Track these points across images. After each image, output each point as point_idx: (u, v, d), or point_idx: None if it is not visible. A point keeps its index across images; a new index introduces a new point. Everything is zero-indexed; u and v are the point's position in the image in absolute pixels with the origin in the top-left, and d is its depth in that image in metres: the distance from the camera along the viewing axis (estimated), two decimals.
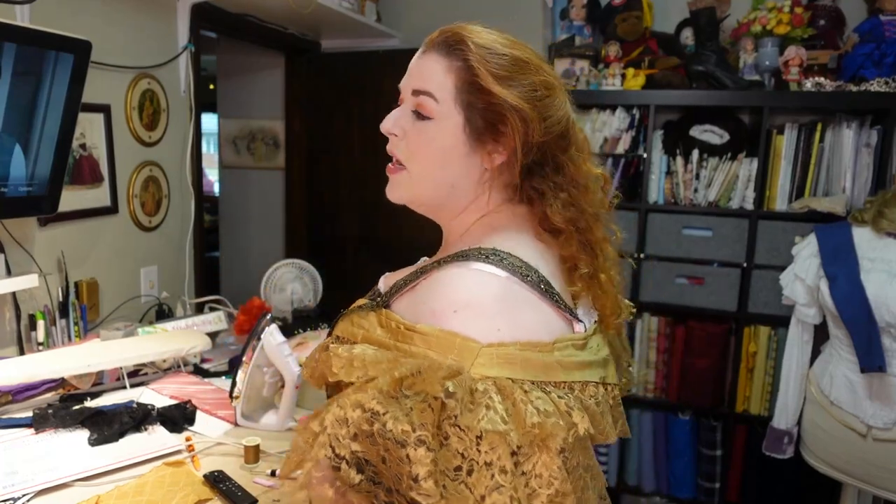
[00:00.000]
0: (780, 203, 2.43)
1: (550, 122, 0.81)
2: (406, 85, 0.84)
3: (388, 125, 0.84)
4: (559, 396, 0.70)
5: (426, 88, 0.80)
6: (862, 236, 1.93)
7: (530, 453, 0.66)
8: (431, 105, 0.80)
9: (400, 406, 0.63)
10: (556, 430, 0.66)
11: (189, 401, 1.52)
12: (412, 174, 0.84)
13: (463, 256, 0.77)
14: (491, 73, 0.78)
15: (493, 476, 0.63)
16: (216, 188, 4.13)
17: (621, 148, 2.57)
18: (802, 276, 2.03)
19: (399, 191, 0.87)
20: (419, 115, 0.81)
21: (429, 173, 0.83)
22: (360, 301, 0.86)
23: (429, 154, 0.82)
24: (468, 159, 0.82)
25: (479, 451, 0.63)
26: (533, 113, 0.79)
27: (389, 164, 0.87)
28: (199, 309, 2.29)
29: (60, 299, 1.88)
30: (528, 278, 0.76)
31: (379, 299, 0.84)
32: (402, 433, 0.61)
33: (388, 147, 0.86)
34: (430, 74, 0.81)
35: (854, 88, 2.27)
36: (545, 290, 0.77)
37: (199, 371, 1.83)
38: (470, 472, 0.63)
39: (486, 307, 0.72)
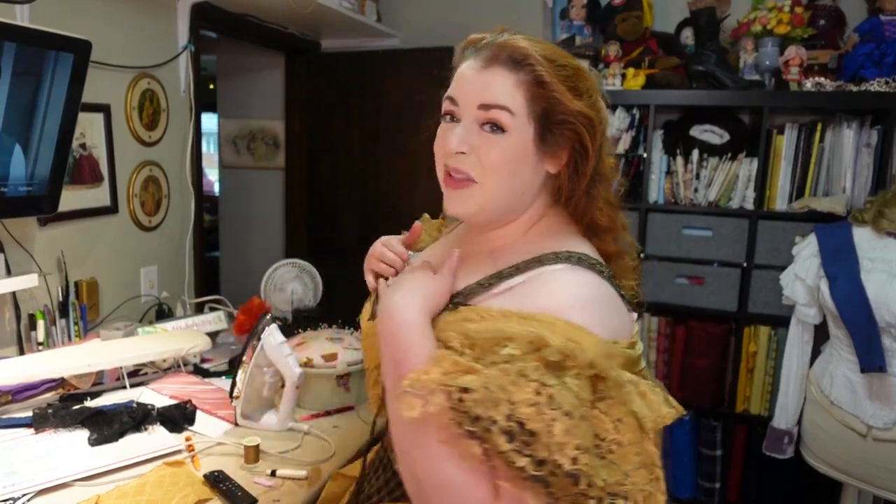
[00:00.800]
0: (780, 203, 2.43)
1: (604, 124, 0.88)
2: (468, 100, 0.84)
3: (454, 145, 0.84)
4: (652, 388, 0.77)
5: (501, 103, 0.82)
6: (862, 236, 1.93)
7: (655, 439, 0.73)
8: (507, 119, 0.82)
9: (564, 381, 0.67)
10: (670, 418, 0.74)
11: (189, 401, 1.52)
12: (485, 187, 0.85)
13: (564, 259, 0.82)
14: (562, 84, 0.83)
15: (636, 454, 0.70)
16: (216, 188, 4.13)
17: (621, 148, 2.57)
18: (802, 276, 2.03)
19: (468, 205, 0.86)
20: (492, 129, 0.83)
21: (502, 184, 0.85)
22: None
23: (504, 166, 0.84)
24: (536, 168, 0.86)
25: (621, 430, 0.70)
26: (596, 118, 0.85)
27: (449, 178, 0.87)
28: (199, 309, 2.29)
29: (60, 299, 1.88)
30: (612, 280, 0.85)
31: (456, 300, 0.85)
32: (569, 405, 0.65)
33: (453, 164, 0.85)
34: (500, 89, 0.82)
35: (854, 88, 2.27)
36: (617, 288, 0.85)
37: (199, 371, 1.83)
38: (616, 450, 0.69)
39: (602, 306, 0.79)
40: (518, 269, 0.84)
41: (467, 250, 0.92)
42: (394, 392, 0.75)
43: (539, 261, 0.83)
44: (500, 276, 0.85)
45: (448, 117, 0.88)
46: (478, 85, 0.84)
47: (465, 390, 0.67)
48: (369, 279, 1.01)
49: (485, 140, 0.83)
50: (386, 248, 1.01)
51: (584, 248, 0.87)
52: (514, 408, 0.65)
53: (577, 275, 0.81)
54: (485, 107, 0.83)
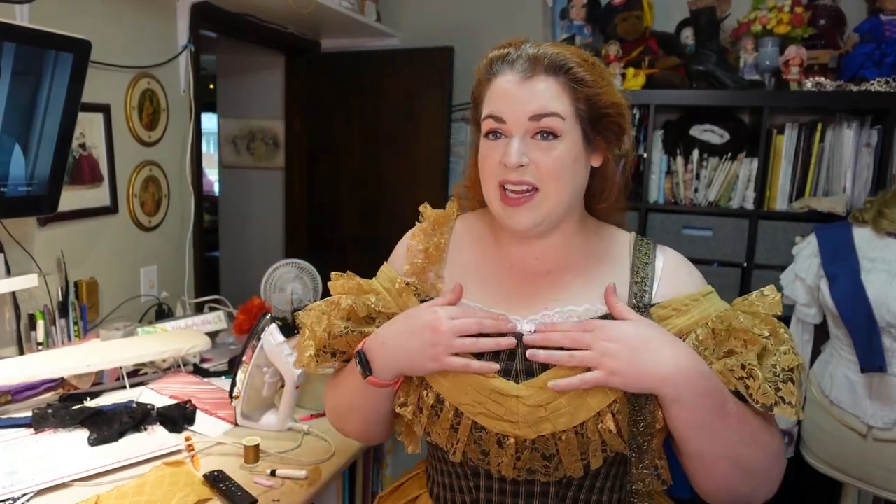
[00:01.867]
0: (780, 203, 2.43)
1: (629, 107, 0.92)
2: (517, 114, 0.85)
3: (515, 158, 0.84)
4: None
5: (552, 110, 0.84)
6: (862, 236, 1.93)
7: None
8: (559, 124, 0.84)
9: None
10: None
11: (189, 401, 1.52)
12: (548, 193, 0.86)
13: (657, 244, 0.95)
14: (602, 82, 0.87)
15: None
16: (216, 188, 4.13)
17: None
18: (803, 275, 2.03)
19: (536, 213, 0.87)
20: (545, 137, 0.85)
21: (561, 189, 0.87)
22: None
23: (563, 170, 0.86)
24: (585, 166, 0.90)
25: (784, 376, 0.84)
26: (626, 103, 0.90)
27: (506, 197, 0.86)
28: (199, 309, 2.29)
29: (60, 299, 1.88)
30: None
31: (643, 307, 0.89)
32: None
33: (515, 178, 0.85)
34: (548, 97, 0.84)
35: (854, 88, 2.27)
36: None
37: (199, 371, 1.83)
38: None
39: None
40: (648, 249, 0.94)
41: (516, 269, 0.94)
42: (721, 424, 0.83)
43: (651, 246, 0.95)
44: (638, 270, 0.91)
45: (492, 135, 0.87)
46: (524, 97, 0.84)
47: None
48: (455, 362, 0.86)
49: (540, 148, 0.85)
50: (456, 320, 0.87)
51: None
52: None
53: (670, 252, 0.95)
54: (536, 117, 0.84)
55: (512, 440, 0.83)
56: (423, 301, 0.94)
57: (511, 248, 0.95)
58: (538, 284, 0.92)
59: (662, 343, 0.81)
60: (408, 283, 0.97)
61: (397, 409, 0.92)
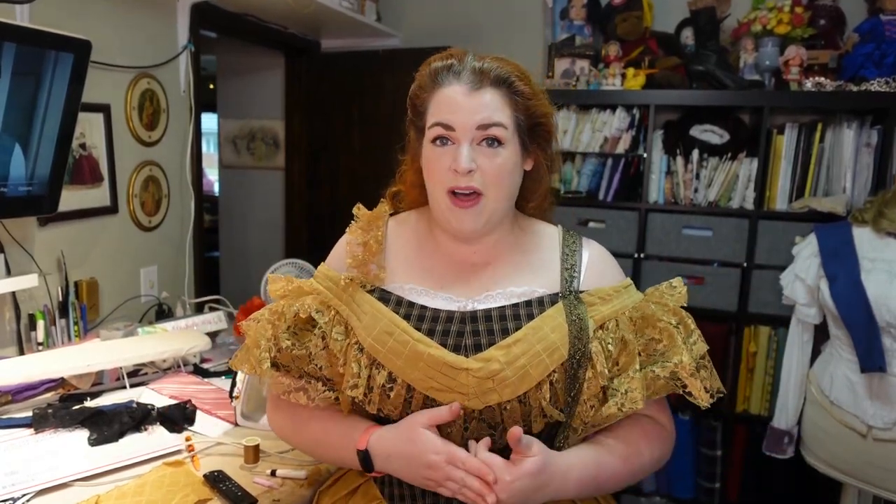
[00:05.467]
0: (780, 203, 2.43)
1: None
2: (465, 123, 0.92)
3: (465, 164, 0.92)
4: None
5: (497, 120, 0.93)
6: (862, 236, 1.93)
7: None
8: (502, 133, 0.93)
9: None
10: None
11: (189, 401, 1.52)
12: (490, 198, 0.95)
13: (582, 237, 1.07)
14: (536, 94, 0.97)
15: None
16: (216, 188, 4.13)
17: (621, 148, 2.57)
18: (803, 275, 2.03)
19: (479, 219, 0.95)
20: (490, 144, 0.93)
21: (503, 192, 0.96)
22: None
23: (504, 176, 0.95)
24: (520, 171, 0.99)
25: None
26: (553, 111, 1.00)
27: (455, 199, 0.94)
28: (199, 309, 2.29)
29: (60, 299, 1.88)
30: None
31: (572, 292, 0.99)
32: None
33: (464, 183, 0.93)
34: (493, 108, 0.93)
35: (854, 88, 2.27)
36: None
37: (199, 371, 1.83)
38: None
39: None
40: (573, 242, 1.05)
41: (454, 261, 1.02)
42: (608, 478, 0.96)
43: (575, 237, 1.06)
44: (570, 263, 1.02)
45: (439, 141, 0.94)
46: (472, 107, 0.92)
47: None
48: (451, 486, 0.90)
49: (486, 155, 0.93)
50: (457, 468, 0.89)
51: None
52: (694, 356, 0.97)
53: (595, 245, 1.07)
54: (483, 126, 0.92)
55: (461, 411, 0.90)
56: (369, 291, 0.99)
57: (449, 244, 1.03)
58: (478, 273, 1.01)
59: (548, 486, 0.89)
60: (352, 278, 1.01)
61: (347, 392, 0.94)
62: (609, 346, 0.94)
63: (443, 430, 0.92)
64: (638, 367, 0.94)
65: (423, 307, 0.97)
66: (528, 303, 0.97)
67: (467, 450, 0.90)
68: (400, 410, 0.94)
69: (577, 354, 0.92)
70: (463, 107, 0.92)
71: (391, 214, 1.11)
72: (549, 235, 1.07)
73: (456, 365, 0.90)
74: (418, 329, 0.94)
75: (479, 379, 0.89)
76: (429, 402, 0.92)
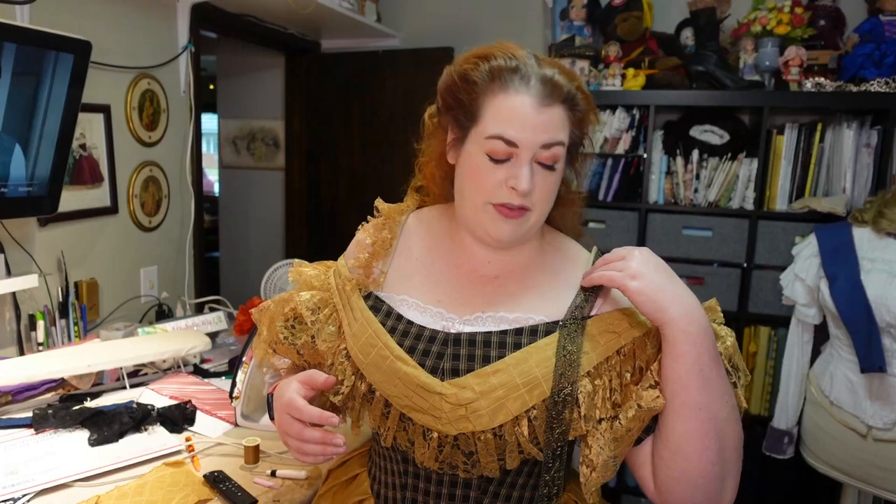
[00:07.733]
0: (780, 203, 2.43)
1: None
2: (530, 141, 0.85)
3: (527, 186, 0.85)
4: None
5: (560, 139, 0.87)
6: (862, 236, 1.93)
7: None
8: (562, 151, 0.88)
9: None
10: None
11: (189, 401, 1.52)
12: (536, 212, 0.90)
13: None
14: (592, 106, 0.92)
15: None
16: (216, 188, 4.13)
17: (621, 148, 2.57)
18: (802, 276, 2.03)
19: (521, 230, 0.90)
20: (546, 166, 0.87)
21: (548, 207, 0.92)
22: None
23: (553, 193, 0.91)
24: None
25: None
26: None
27: (504, 209, 0.88)
28: (199, 309, 2.29)
29: (60, 299, 1.88)
30: None
31: (580, 317, 0.89)
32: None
33: (518, 202, 0.87)
34: (559, 127, 0.87)
35: (854, 88, 2.27)
36: None
37: (199, 371, 1.83)
38: None
39: None
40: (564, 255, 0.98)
41: (463, 270, 0.97)
42: (714, 367, 0.82)
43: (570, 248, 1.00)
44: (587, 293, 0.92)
45: (496, 155, 0.86)
46: (540, 125, 0.85)
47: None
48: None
49: (541, 174, 0.87)
50: (295, 417, 0.89)
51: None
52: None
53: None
54: (547, 146, 0.86)
55: (435, 434, 0.87)
56: (365, 297, 0.98)
57: (466, 248, 0.97)
58: (482, 287, 0.95)
59: (679, 281, 0.84)
60: (351, 280, 1.00)
61: (331, 398, 0.95)
62: (612, 381, 0.85)
63: (417, 452, 0.89)
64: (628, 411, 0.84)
65: (410, 322, 0.93)
66: (519, 331, 0.89)
67: (439, 480, 0.90)
68: (379, 422, 0.92)
69: (562, 394, 0.83)
70: (531, 124, 0.84)
71: (417, 207, 1.08)
72: (576, 259, 0.97)
73: (429, 387, 0.86)
74: (401, 345, 0.90)
75: (452, 405, 0.85)
76: (405, 419, 0.89)
